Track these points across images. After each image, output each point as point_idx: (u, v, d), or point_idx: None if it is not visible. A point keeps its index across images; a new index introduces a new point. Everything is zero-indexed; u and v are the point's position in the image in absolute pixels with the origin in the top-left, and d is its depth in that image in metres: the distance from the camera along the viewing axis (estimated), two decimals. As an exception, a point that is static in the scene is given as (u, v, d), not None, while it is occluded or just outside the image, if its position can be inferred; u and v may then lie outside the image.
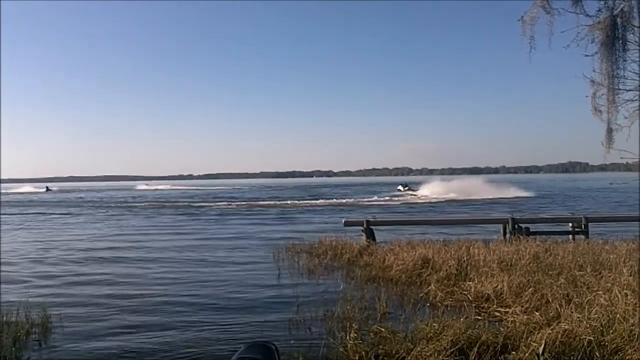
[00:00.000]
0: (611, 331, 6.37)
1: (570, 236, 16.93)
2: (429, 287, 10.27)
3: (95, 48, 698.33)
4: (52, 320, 8.84)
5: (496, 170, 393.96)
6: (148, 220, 33.51)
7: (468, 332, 6.66)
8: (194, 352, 7.40)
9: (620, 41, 8.60)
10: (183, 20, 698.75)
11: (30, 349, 7.68)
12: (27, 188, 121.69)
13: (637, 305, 6.87)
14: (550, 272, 9.87)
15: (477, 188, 62.45)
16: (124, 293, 11.40)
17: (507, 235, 16.62)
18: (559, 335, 6.26)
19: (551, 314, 7.37)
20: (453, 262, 11.63)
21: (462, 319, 7.09)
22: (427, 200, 54.01)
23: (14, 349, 7.48)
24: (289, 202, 55.03)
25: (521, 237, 15.20)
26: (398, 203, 51.19)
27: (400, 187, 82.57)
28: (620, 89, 8.95)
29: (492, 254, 12.09)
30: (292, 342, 7.49)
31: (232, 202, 57.10)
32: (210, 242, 20.93)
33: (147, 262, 15.79)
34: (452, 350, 6.27)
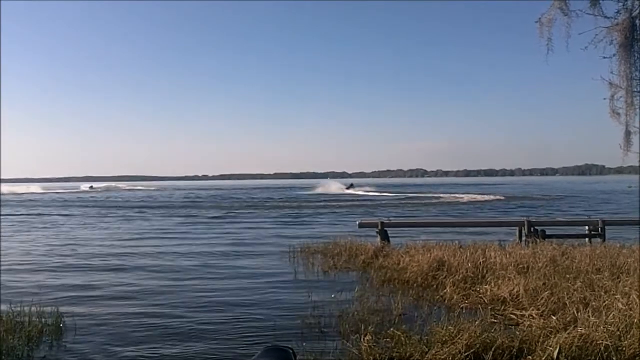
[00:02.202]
0: (629, 336, 6.31)
1: (587, 239, 16.79)
2: (445, 290, 10.24)
3: (107, 45, 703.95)
4: (65, 320, 8.89)
5: (511, 173, 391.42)
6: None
7: (483, 336, 6.63)
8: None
9: (639, 43, 8.54)
10: (198, 16, 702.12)
11: (44, 349, 7.74)
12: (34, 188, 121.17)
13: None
14: (567, 276, 9.78)
15: None
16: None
17: (523, 238, 16.51)
18: (576, 340, 6.23)
19: (568, 318, 7.32)
20: (469, 264, 11.57)
21: (477, 322, 7.06)
22: (445, 201, 53.91)
23: (27, 348, 7.57)
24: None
25: (537, 240, 15.10)
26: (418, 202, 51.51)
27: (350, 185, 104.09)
28: (638, 91, 8.88)
29: (508, 256, 12.02)
30: (304, 344, 7.51)
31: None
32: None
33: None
34: (467, 353, 6.26)
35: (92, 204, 59.24)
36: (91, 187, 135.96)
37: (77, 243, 21.28)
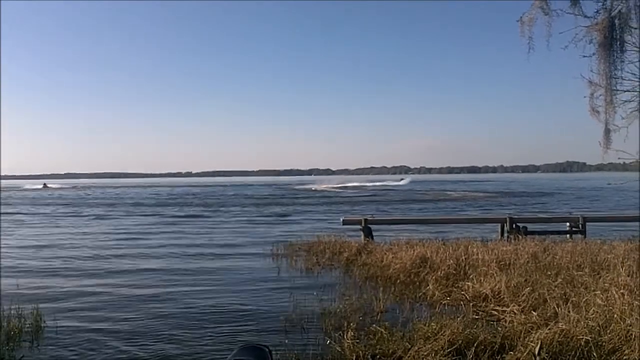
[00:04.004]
0: (608, 331, 6.40)
1: (568, 235, 16.98)
2: (427, 287, 10.29)
3: (93, 43, 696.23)
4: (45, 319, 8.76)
5: (494, 170, 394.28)
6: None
7: (466, 332, 6.68)
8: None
9: (618, 42, 8.65)
10: (181, 15, 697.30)
11: (24, 348, 7.64)
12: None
13: (635, 305, 6.90)
14: (548, 272, 9.88)
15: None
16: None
17: (505, 235, 16.65)
18: (556, 335, 6.29)
19: (549, 314, 7.40)
20: (451, 261, 11.63)
21: (459, 319, 7.11)
22: (430, 198, 54.27)
23: (7, 348, 7.46)
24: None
25: (519, 236, 15.24)
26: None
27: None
28: (617, 90, 9.01)
29: (490, 253, 12.09)
30: (287, 341, 7.51)
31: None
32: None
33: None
34: (449, 349, 6.29)
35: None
36: (44, 185, 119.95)
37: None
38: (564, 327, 6.47)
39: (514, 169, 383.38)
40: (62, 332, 8.33)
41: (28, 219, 33.84)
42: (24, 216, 35.97)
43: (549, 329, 6.47)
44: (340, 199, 57.11)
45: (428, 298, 9.82)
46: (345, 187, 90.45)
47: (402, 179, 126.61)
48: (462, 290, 9.82)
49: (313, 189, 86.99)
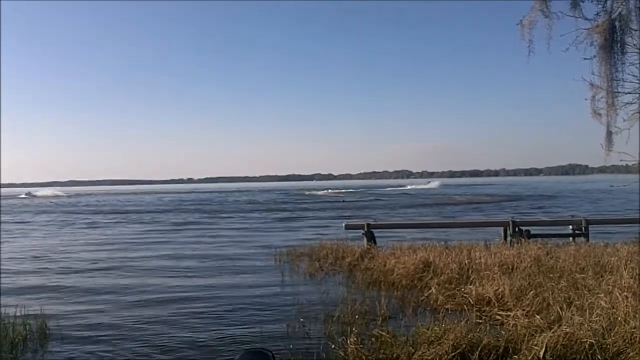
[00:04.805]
0: (612, 334, 6.38)
1: (571, 238, 16.91)
2: (430, 291, 10.26)
3: (93, 49, 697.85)
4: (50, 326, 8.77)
5: (496, 173, 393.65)
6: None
7: (469, 336, 6.66)
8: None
9: (619, 44, 8.65)
10: (180, 19, 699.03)
11: (28, 355, 7.66)
12: None
13: (638, 307, 6.88)
14: (552, 275, 9.84)
15: None
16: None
17: (508, 238, 16.60)
18: (561, 339, 6.28)
19: (552, 317, 7.37)
20: (454, 265, 11.62)
21: (463, 323, 7.08)
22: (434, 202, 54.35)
23: (10, 355, 7.48)
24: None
25: (522, 240, 15.20)
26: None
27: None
28: (619, 92, 9.00)
29: (493, 257, 12.07)
30: (291, 346, 7.49)
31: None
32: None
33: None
34: (453, 354, 6.28)
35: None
36: (28, 193, 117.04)
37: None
38: (567, 330, 6.45)
39: (516, 172, 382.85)
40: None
41: (16, 227, 33.54)
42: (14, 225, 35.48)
43: (553, 332, 6.45)
44: (342, 203, 57.13)
45: (431, 302, 9.80)
46: (350, 192, 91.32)
47: (429, 182, 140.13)
48: (466, 295, 9.79)
49: (307, 193, 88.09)
